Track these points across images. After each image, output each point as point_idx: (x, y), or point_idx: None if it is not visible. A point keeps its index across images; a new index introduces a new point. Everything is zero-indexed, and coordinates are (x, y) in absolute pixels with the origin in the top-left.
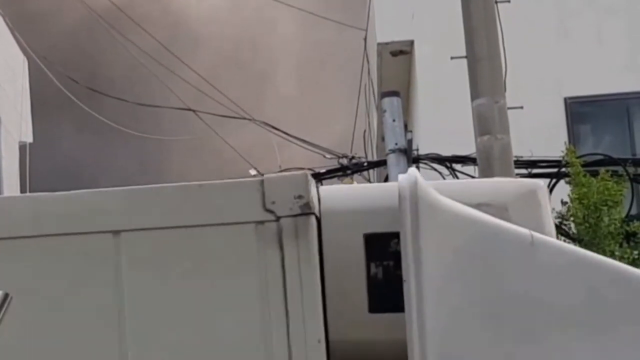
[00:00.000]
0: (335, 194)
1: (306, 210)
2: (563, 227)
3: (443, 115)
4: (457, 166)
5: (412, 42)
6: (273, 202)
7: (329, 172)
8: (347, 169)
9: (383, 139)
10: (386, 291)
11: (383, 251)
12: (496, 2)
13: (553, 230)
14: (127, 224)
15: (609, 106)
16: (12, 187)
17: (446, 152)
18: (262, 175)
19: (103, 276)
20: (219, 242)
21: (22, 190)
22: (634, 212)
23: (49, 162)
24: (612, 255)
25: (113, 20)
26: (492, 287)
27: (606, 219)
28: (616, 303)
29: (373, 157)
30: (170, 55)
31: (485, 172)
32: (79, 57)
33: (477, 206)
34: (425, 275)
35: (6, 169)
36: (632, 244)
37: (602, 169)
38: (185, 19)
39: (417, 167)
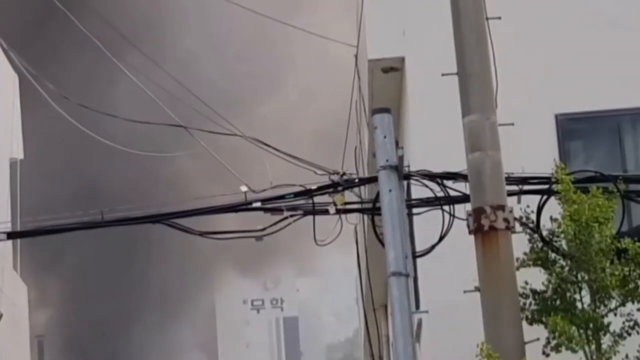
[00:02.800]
0: None
1: None
2: (554, 244)
3: (434, 132)
4: (449, 183)
5: (403, 59)
6: None
7: (319, 188)
8: (339, 185)
9: (374, 155)
10: None
11: None
12: (487, 19)
13: None
14: None
15: (600, 123)
16: (2, 203)
17: (437, 169)
18: (254, 191)
19: None
20: None
21: (13, 207)
22: (624, 228)
23: (40, 178)
24: (603, 272)
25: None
26: None
27: (597, 236)
28: None
29: (364, 173)
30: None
31: (476, 189)
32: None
33: None
34: None
35: None
36: (623, 260)
37: (593, 186)
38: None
39: (408, 184)
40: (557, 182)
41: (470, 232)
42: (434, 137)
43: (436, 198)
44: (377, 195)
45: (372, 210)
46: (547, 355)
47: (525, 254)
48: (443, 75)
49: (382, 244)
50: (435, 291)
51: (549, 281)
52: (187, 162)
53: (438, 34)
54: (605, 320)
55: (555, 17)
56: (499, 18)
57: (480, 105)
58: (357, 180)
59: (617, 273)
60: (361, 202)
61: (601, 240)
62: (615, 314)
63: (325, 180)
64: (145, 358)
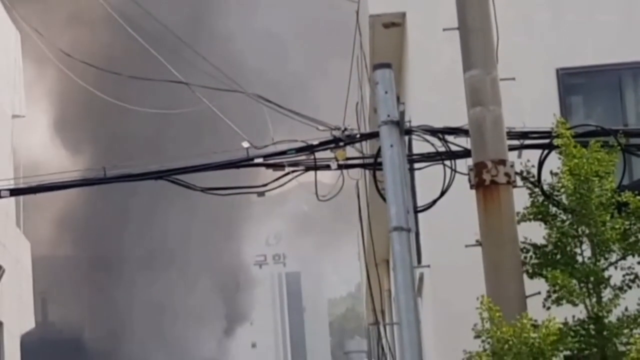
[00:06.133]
0: None
1: None
2: (554, 198)
3: (435, 87)
4: (450, 137)
5: (404, 14)
6: None
7: (321, 144)
8: (340, 141)
9: (375, 110)
10: None
11: None
12: None
13: None
14: None
15: (600, 77)
16: (4, 160)
17: (438, 124)
18: (255, 147)
19: None
20: None
21: (15, 163)
22: (625, 182)
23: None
24: (603, 225)
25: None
26: None
27: (597, 190)
28: None
29: (366, 129)
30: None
31: (478, 144)
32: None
33: None
34: None
35: None
36: (623, 214)
37: (593, 140)
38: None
39: (409, 139)
40: (557, 136)
41: (471, 187)
42: (435, 92)
43: (437, 153)
44: (379, 150)
45: (374, 165)
46: (548, 308)
47: (526, 208)
48: (444, 30)
49: (384, 199)
50: (436, 246)
51: (550, 235)
52: (190, 119)
53: None
54: (606, 274)
55: None
56: None
57: (481, 60)
58: (358, 136)
59: (617, 227)
60: (363, 158)
61: (601, 194)
62: (616, 268)
63: (326, 135)
64: (147, 318)
